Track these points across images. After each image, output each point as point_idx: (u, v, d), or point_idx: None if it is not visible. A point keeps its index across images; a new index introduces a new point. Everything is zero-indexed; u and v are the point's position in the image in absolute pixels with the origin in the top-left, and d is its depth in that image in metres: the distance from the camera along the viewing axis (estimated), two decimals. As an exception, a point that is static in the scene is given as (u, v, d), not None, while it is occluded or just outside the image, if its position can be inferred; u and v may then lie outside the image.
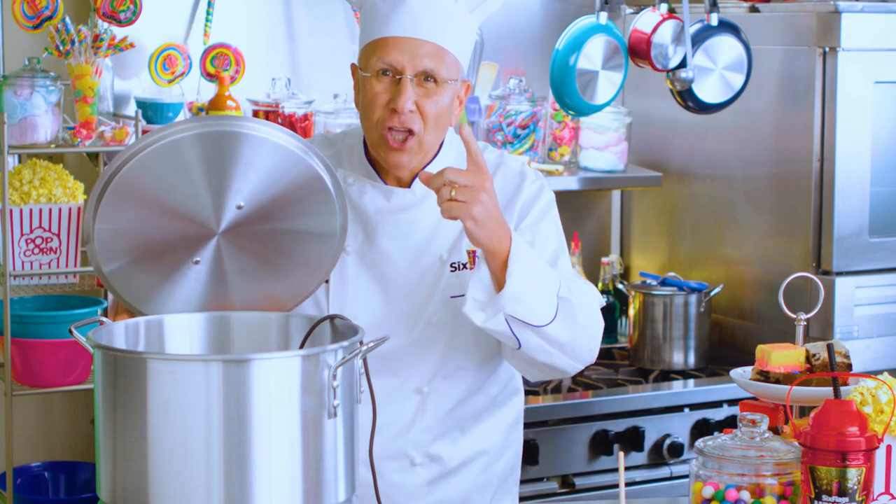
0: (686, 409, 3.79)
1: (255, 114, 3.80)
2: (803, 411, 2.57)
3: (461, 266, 2.66)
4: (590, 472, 3.70)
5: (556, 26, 3.87)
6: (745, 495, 2.30)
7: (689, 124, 4.18)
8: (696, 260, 4.26)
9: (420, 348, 2.66)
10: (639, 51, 3.59)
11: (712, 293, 4.03)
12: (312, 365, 2.16)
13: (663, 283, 4.08)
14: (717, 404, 3.82)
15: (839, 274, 3.81)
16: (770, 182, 3.97)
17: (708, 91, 3.62)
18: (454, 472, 2.71)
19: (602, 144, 4.14)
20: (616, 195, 4.53)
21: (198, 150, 2.32)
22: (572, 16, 3.72)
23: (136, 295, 2.43)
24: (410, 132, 2.57)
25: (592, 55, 3.54)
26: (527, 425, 2.90)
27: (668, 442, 3.75)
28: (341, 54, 3.98)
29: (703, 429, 3.78)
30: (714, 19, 3.61)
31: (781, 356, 2.50)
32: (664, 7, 3.60)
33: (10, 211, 3.36)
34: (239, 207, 2.37)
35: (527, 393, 3.17)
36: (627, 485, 3.64)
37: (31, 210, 3.38)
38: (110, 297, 2.53)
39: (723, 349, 4.12)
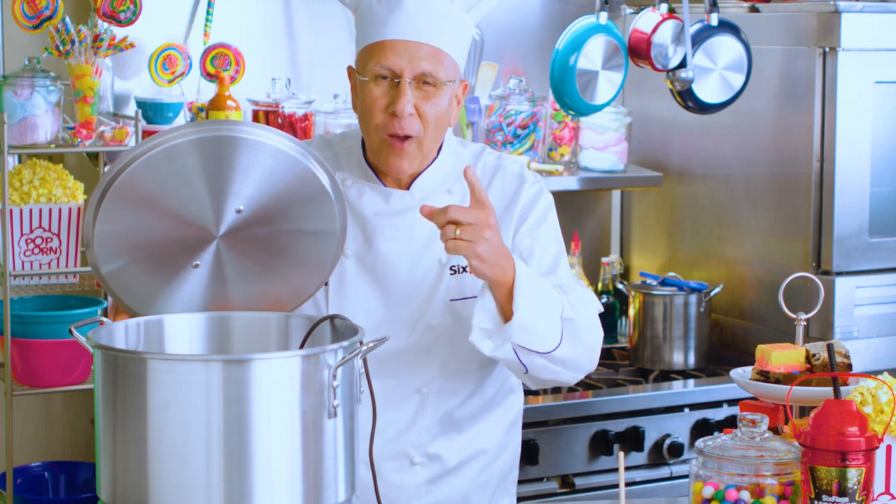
0: (686, 409, 3.79)
1: (255, 114, 3.80)
2: (803, 411, 2.57)
3: (461, 269, 2.66)
4: (590, 472, 3.70)
5: (556, 26, 3.87)
6: (745, 495, 2.30)
7: (689, 124, 4.18)
8: (696, 260, 4.26)
9: (420, 351, 2.66)
10: (639, 51, 3.59)
11: (712, 293, 4.04)
12: (312, 365, 2.16)
13: (663, 283, 4.09)
14: (717, 404, 3.82)
15: (839, 274, 3.81)
16: (770, 182, 3.97)
17: (708, 91, 3.62)
18: (453, 472, 2.71)
19: (602, 144, 4.14)
20: (616, 195, 4.53)
21: (197, 154, 2.32)
22: (572, 16, 3.72)
23: (136, 298, 2.43)
24: (409, 137, 2.57)
25: (592, 55, 3.54)
26: (526, 425, 2.90)
27: (668, 442, 3.75)
28: (341, 54, 3.98)
29: (703, 429, 3.78)
30: (714, 19, 3.61)
31: (781, 356, 2.50)
32: (664, 7, 3.60)
33: (10, 211, 3.36)
34: (238, 211, 2.37)
35: (527, 393, 3.17)
36: (627, 485, 3.64)
37: (31, 210, 3.38)
38: (110, 297, 2.53)
39: (723, 349, 4.12)
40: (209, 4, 3.84)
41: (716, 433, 2.49)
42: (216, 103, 3.67)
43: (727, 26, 3.63)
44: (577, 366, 2.59)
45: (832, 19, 3.75)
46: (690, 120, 4.01)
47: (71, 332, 2.26)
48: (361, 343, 2.23)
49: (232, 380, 2.11)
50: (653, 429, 3.75)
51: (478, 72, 4.14)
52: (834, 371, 2.35)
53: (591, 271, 4.35)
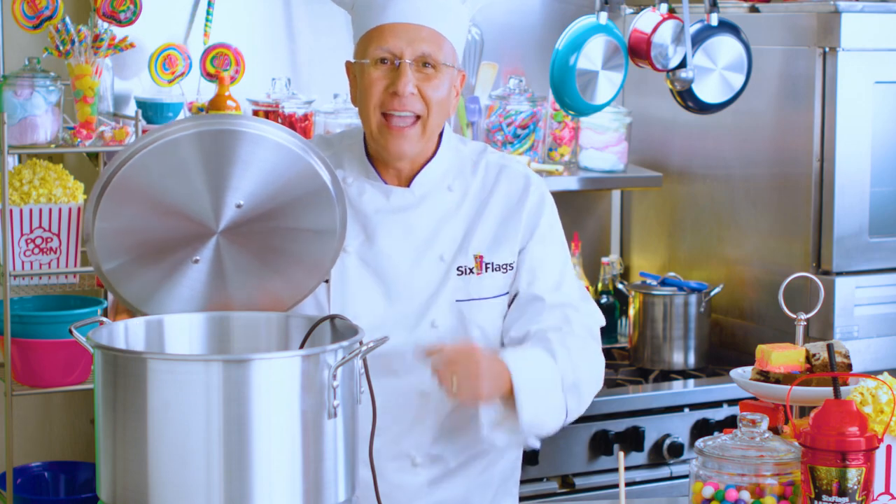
0: (686, 409, 3.79)
1: (255, 114, 3.80)
2: (803, 411, 2.57)
3: (468, 270, 2.67)
4: (590, 472, 3.70)
5: (556, 26, 3.87)
6: (745, 495, 2.30)
7: (689, 124, 4.18)
8: (696, 260, 4.26)
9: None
10: (639, 51, 3.59)
11: (712, 293, 4.03)
12: (312, 365, 2.16)
13: (663, 283, 4.08)
14: (717, 404, 3.82)
15: (839, 274, 3.81)
16: (770, 182, 3.97)
17: (708, 91, 3.62)
18: (455, 473, 2.71)
19: (602, 144, 4.13)
20: (616, 195, 4.53)
21: (196, 148, 2.32)
22: (572, 16, 3.72)
23: (136, 294, 2.43)
24: (418, 117, 2.57)
25: (592, 55, 3.54)
26: (527, 425, 2.90)
27: (668, 442, 3.75)
28: (341, 54, 3.95)
29: (703, 429, 3.78)
30: (714, 19, 3.61)
31: (781, 356, 2.50)
32: (664, 7, 3.60)
33: (10, 211, 3.36)
34: (238, 206, 2.37)
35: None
36: (627, 485, 3.64)
37: (31, 210, 3.38)
38: (110, 296, 2.53)
39: (723, 349, 4.12)
40: (209, 4, 3.84)
41: (716, 433, 2.49)
42: (216, 103, 3.67)
43: (727, 26, 3.63)
44: (583, 408, 2.68)
45: (832, 19, 3.75)
46: (690, 120, 4.01)
47: (71, 332, 2.26)
48: (361, 343, 2.23)
49: (232, 380, 2.11)
50: (653, 429, 3.75)
51: (478, 72, 4.14)
52: (834, 371, 2.35)
53: (591, 271, 4.35)
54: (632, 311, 4.10)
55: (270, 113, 3.77)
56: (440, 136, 2.68)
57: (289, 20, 4.00)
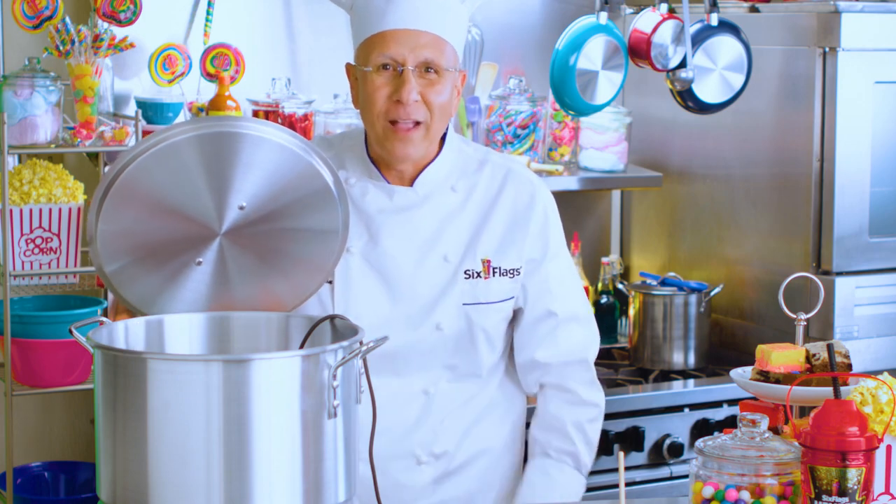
0: (686, 409, 3.79)
1: (255, 114, 3.80)
2: (803, 411, 2.57)
3: (475, 274, 2.68)
4: (590, 471, 3.70)
5: (556, 26, 3.86)
6: (745, 495, 2.29)
7: (689, 124, 4.18)
8: (696, 260, 4.26)
9: (425, 352, 2.67)
10: (639, 51, 3.59)
11: (712, 293, 4.03)
12: (312, 365, 2.16)
13: (663, 283, 4.08)
14: (717, 404, 3.81)
15: (839, 274, 3.80)
16: (770, 182, 3.97)
17: (708, 91, 3.62)
18: (458, 471, 2.72)
19: (602, 144, 4.13)
20: (616, 195, 4.53)
21: (197, 151, 2.32)
22: (572, 16, 3.72)
23: (140, 296, 2.43)
24: (417, 123, 2.57)
25: (592, 55, 3.54)
26: (528, 425, 2.90)
27: (668, 442, 3.74)
28: (341, 54, 3.95)
29: (703, 429, 3.77)
30: (714, 19, 3.61)
31: (781, 356, 2.50)
32: (664, 7, 3.59)
33: (10, 211, 3.36)
34: (241, 208, 2.37)
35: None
36: (627, 485, 3.64)
37: (31, 210, 3.38)
38: (110, 297, 2.53)
39: (723, 349, 4.12)
40: (209, 4, 3.83)
41: (716, 433, 2.49)
42: (216, 103, 3.67)
43: (727, 26, 3.63)
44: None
45: (832, 19, 3.75)
46: (690, 120, 4.01)
47: (71, 332, 2.26)
48: (361, 343, 2.23)
49: (232, 380, 2.11)
50: (653, 429, 3.75)
51: (478, 72, 4.14)
52: (834, 371, 2.35)
53: (591, 271, 4.35)
54: (632, 311, 4.10)
55: (270, 113, 3.77)
56: (443, 136, 2.69)
57: (289, 20, 4.00)
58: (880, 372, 2.50)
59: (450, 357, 2.68)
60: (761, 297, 4.03)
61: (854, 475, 2.22)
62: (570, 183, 4.09)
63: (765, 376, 2.50)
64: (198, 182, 2.34)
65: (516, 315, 2.76)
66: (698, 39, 3.59)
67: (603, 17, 3.56)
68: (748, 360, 2.59)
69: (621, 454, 2.24)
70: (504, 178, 2.72)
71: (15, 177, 3.39)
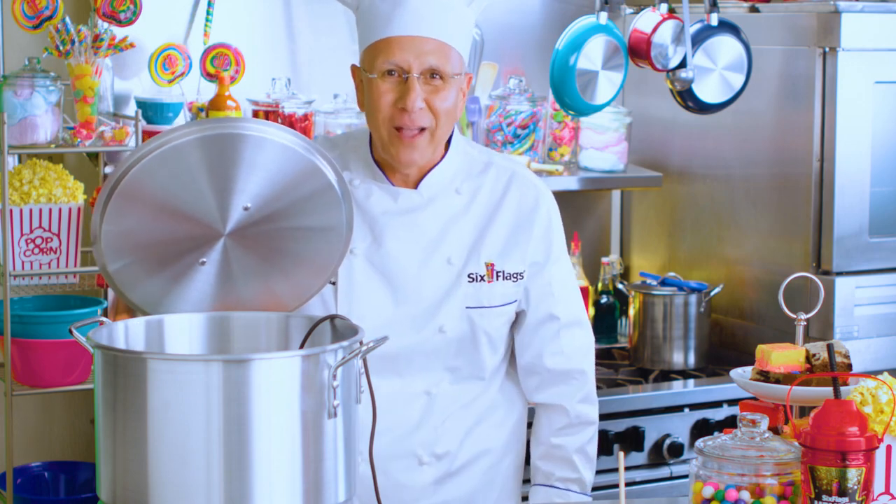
0: (686, 409, 3.79)
1: (255, 114, 3.80)
2: (803, 411, 2.57)
3: (479, 278, 2.68)
4: (590, 472, 3.70)
5: (556, 26, 3.86)
6: (745, 495, 2.29)
7: (689, 124, 4.18)
8: (696, 260, 4.26)
9: (428, 354, 2.67)
10: (639, 51, 3.59)
11: (712, 293, 4.03)
12: (312, 365, 2.16)
13: (663, 283, 4.08)
14: (717, 404, 3.81)
15: (839, 274, 3.81)
16: (770, 182, 3.97)
17: (708, 91, 3.62)
18: (460, 471, 2.72)
19: (602, 144, 4.13)
20: (616, 195, 4.53)
21: (201, 153, 2.33)
22: (572, 16, 3.72)
23: (143, 296, 2.43)
24: (422, 129, 2.57)
25: (592, 55, 3.54)
26: (529, 425, 2.90)
27: (668, 442, 3.75)
28: (341, 54, 3.98)
29: (703, 429, 3.77)
30: (714, 19, 3.61)
31: (781, 356, 2.50)
32: (664, 7, 3.59)
33: (10, 211, 3.36)
34: (246, 208, 2.38)
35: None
36: (627, 485, 3.64)
37: (31, 210, 3.38)
38: (110, 297, 2.53)
39: (723, 349, 4.12)
40: (209, 4, 3.84)
41: (716, 433, 2.49)
42: (216, 103, 3.67)
43: (727, 26, 3.63)
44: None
45: (832, 19, 3.75)
46: (690, 120, 4.01)
47: (71, 332, 2.26)
48: (361, 343, 2.23)
49: (232, 380, 2.11)
50: (653, 429, 3.75)
51: (478, 72, 4.14)
52: (834, 371, 2.35)
53: (591, 271, 4.35)
54: (632, 311, 4.10)
55: (270, 113, 3.77)
56: (449, 139, 2.69)
57: (289, 20, 4.00)
58: (880, 372, 2.50)
59: (452, 359, 2.68)
60: (761, 297, 4.03)
61: (854, 475, 2.22)
62: (570, 183, 4.09)
63: (765, 376, 2.50)
64: (201, 183, 2.34)
65: (518, 317, 2.76)
66: (698, 39, 3.59)
67: (603, 17, 3.56)
68: (748, 360, 2.59)
69: (621, 454, 2.24)
70: (508, 181, 2.72)
71: (15, 177, 3.39)
